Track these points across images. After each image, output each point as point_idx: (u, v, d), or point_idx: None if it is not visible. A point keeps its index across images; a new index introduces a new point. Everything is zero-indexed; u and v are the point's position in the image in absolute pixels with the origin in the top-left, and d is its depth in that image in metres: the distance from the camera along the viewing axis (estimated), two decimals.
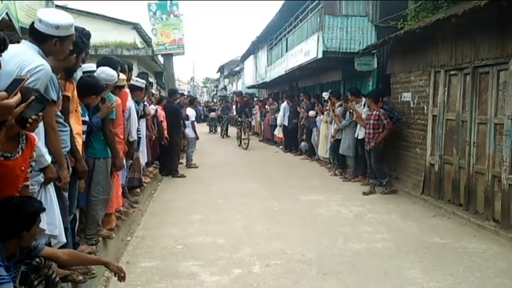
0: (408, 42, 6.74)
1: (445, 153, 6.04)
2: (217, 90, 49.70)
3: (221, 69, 42.77)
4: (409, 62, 7.05)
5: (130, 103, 4.69)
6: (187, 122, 9.47)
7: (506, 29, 4.77)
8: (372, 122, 6.83)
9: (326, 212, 5.74)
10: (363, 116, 7.22)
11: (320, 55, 8.96)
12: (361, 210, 5.85)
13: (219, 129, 19.49)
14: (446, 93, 6.03)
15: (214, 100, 42.10)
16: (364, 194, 6.82)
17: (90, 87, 3.33)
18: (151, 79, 15.07)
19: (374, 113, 6.83)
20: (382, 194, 6.80)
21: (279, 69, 13.85)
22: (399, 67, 7.43)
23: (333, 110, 8.41)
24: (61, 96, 2.69)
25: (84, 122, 3.27)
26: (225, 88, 40.47)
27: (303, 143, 11.50)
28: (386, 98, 7.48)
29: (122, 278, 2.56)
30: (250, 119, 15.42)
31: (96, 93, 3.39)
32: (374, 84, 8.82)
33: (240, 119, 14.20)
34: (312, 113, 10.25)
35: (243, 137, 13.69)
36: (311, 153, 10.81)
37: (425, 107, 6.55)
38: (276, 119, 13.41)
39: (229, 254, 4.08)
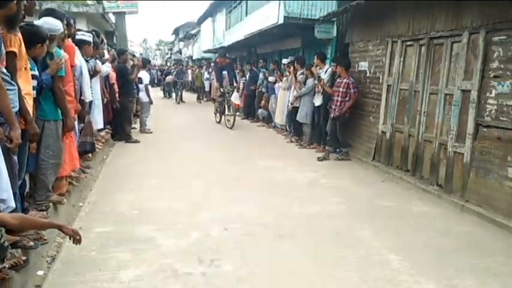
0: (368, 11, 6.79)
1: (397, 121, 6.29)
2: (171, 54, 48.00)
3: (176, 32, 41.14)
4: (368, 31, 7.13)
5: (79, 60, 4.37)
6: (140, 86, 9.10)
7: (462, 3, 4.91)
8: (341, 89, 6.89)
9: (282, 178, 5.85)
10: (324, 79, 7.33)
11: (281, 20, 8.85)
12: (315, 175, 6.02)
13: (173, 94, 18.96)
14: (401, 63, 6.21)
15: (168, 64, 40.72)
16: (319, 159, 7.00)
17: (32, 36, 3.01)
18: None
19: (344, 81, 6.90)
20: (336, 161, 7.03)
21: (238, 33, 13.56)
22: (358, 36, 7.51)
23: (295, 77, 8.40)
24: (4, 51, 2.44)
25: (33, 77, 3.00)
26: (180, 52, 39.14)
27: (260, 110, 11.50)
28: (343, 67, 7.57)
29: (77, 241, 2.45)
30: (234, 89, 11.16)
31: (40, 41, 3.08)
32: (333, 53, 8.88)
33: (222, 90, 10.83)
34: (271, 78, 10.22)
35: (226, 112, 10.63)
36: (268, 120, 10.86)
37: (381, 77, 6.72)
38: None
39: (187, 219, 4.06)
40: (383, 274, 3.08)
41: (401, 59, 6.20)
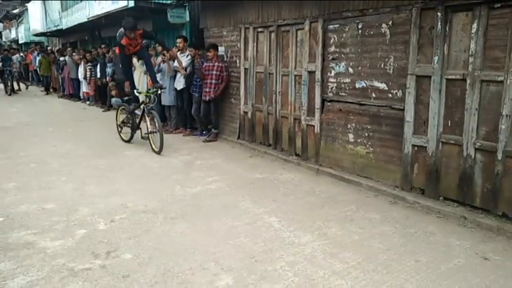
0: None
1: (256, 101, 6.91)
2: None
3: None
4: (221, 17, 7.50)
5: None
6: None
7: None
8: (214, 72, 7.11)
9: (157, 164, 5.86)
10: (184, 64, 7.43)
11: (132, 4, 8.50)
12: (189, 158, 6.21)
13: (1, 85, 16.22)
14: (255, 48, 6.79)
15: None
16: (206, 141, 7.37)
17: None
18: None
19: (217, 64, 7.13)
20: (204, 142, 7.33)
21: (80, 15, 12.38)
22: (212, 22, 7.82)
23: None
24: None
25: None
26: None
27: (114, 99, 10.91)
28: (201, 52, 7.82)
29: None
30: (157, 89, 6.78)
31: None
32: (188, 38, 9.00)
33: (136, 91, 6.81)
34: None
35: (148, 126, 6.52)
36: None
37: (238, 61, 7.22)
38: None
39: (66, 218, 3.80)
40: (269, 235, 3.53)
41: (255, 44, 6.78)
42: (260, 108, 6.83)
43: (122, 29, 6.37)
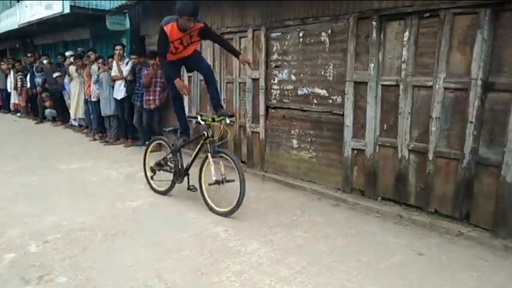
0: (160, 5, 6.98)
1: (201, 109, 6.81)
2: None
3: None
4: None
5: None
6: None
7: (246, 3, 5.68)
8: (159, 80, 6.92)
9: (96, 178, 5.56)
10: (124, 73, 7.17)
11: (67, 10, 8.07)
12: (130, 170, 5.96)
13: None
14: None
15: None
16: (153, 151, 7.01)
17: None
18: None
19: (161, 71, 6.89)
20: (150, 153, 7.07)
21: (9, 22, 11.54)
22: (153, 29, 7.61)
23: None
24: None
25: None
26: None
27: (47, 110, 10.32)
28: (142, 59, 7.59)
29: None
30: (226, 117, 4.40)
31: None
32: (128, 44, 8.73)
33: (201, 117, 4.47)
34: (56, 74, 9.25)
35: (212, 171, 4.19)
36: (65, 119, 9.85)
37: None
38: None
39: None
40: (215, 246, 3.46)
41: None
42: (204, 115, 6.73)
43: (169, 17, 4.11)
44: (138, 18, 8.36)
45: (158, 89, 7.01)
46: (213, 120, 4.29)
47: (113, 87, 7.57)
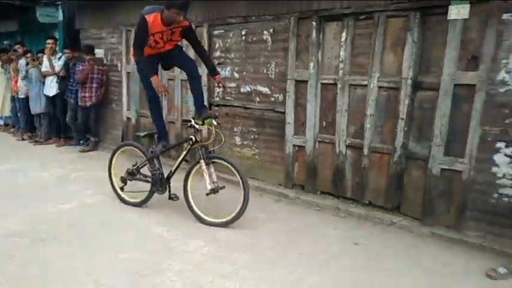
0: None
1: (141, 107, 6.59)
2: None
3: None
4: (101, 18, 6.98)
5: None
6: None
7: None
8: (95, 76, 6.60)
9: (24, 180, 5.16)
10: (57, 69, 6.74)
11: None
12: (63, 171, 5.61)
13: None
14: None
15: None
16: (83, 151, 6.76)
17: None
18: None
19: (97, 67, 6.63)
20: (82, 152, 6.74)
21: None
22: (90, 22, 7.25)
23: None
24: None
25: None
26: None
27: None
28: (77, 54, 7.18)
29: None
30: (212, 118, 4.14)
31: None
32: (61, 38, 8.19)
33: (193, 120, 4.00)
34: None
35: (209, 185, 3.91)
36: None
37: (119, 64, 6.80)
38: None
39: None
40: (157, 246, 3.36)
41: None
42: (145, 114, 6.52)
43: (151, 7, 3.61)
44: (73, 10, 7.88)
45: (95, 85, 6.67)
46: (203, 123, 3.92)
47: (43, 83, 7.09)
